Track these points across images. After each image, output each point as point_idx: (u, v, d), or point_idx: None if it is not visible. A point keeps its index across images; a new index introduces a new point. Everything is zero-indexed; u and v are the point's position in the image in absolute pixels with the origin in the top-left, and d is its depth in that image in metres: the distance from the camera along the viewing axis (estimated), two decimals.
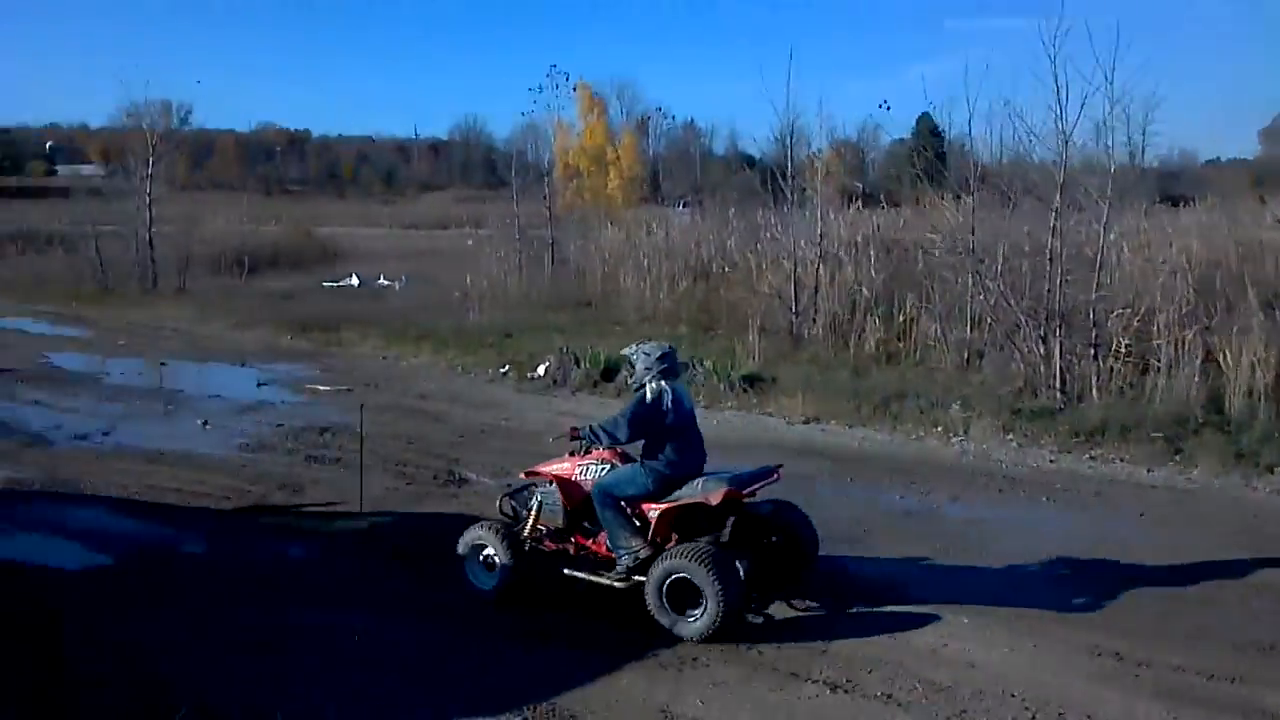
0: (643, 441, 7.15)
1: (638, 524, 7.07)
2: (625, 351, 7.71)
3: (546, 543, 7.50)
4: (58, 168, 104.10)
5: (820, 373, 14.87)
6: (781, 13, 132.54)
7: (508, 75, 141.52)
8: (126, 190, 28.41)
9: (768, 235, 20.80)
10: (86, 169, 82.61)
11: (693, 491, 6.94)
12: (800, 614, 7.07)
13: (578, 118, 41.37)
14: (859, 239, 19.26)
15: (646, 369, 7.17)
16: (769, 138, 22.25)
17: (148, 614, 7.02)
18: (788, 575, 7.33)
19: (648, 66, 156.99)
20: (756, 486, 7.12)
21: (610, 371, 14.97)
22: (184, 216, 30.22)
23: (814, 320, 17.41)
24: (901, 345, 16.49)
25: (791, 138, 19.03)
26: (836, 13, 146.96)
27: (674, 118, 74.53)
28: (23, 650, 6.32)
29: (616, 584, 7.03)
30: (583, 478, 7.43)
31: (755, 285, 18.71)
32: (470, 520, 7.94)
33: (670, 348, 7.38)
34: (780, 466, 7.44)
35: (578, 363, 15.31)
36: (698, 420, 7.41)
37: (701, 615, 6.55)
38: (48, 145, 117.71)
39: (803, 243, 18.14)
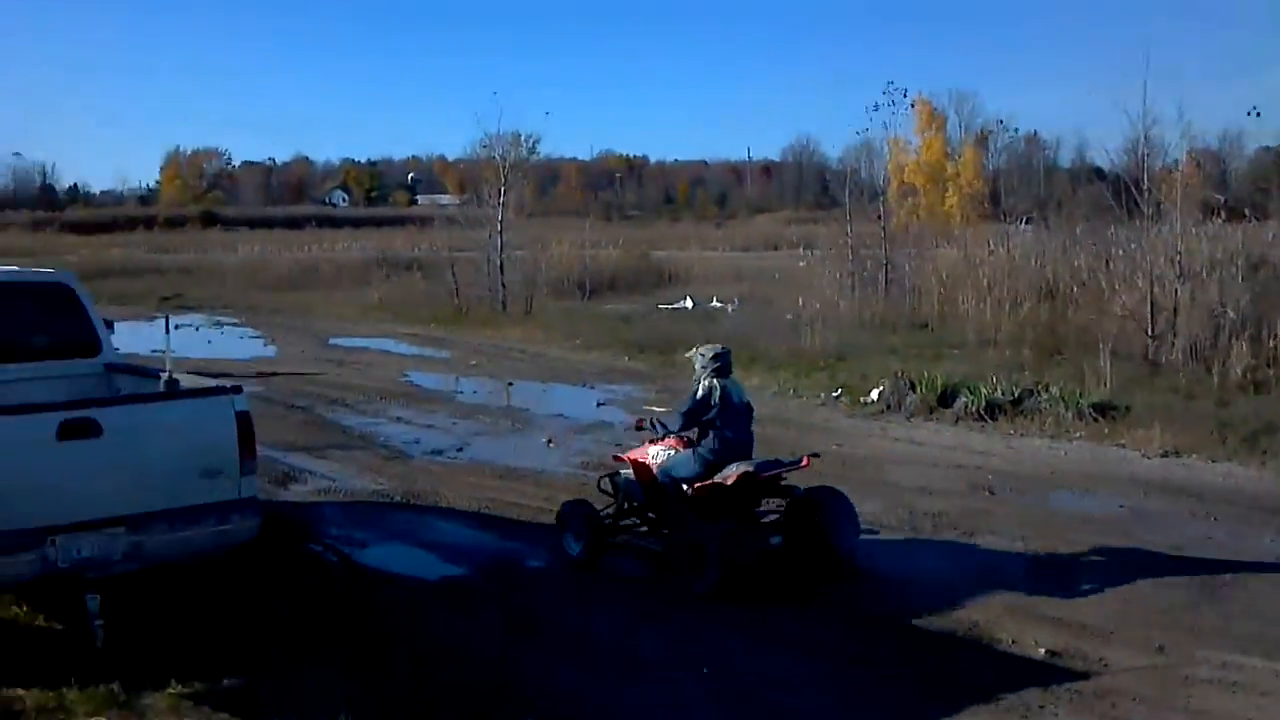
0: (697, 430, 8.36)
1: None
2: (688, 354, 9.17)
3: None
4: (418, 197, 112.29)
5: (1180, 401, 13.83)
6: (1135, 17, 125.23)
7: (842, 94, 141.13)
8: (480, 218, 30.04)
9: (1119, 252, 19.63)
10: (444, 198, 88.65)
11: (725, 474, 8.05)
12: (1150, 666, 6.52)
13: (915, 134, 40.44)
14: (1222, 255, 17.84)
15: (703, 368, 8.40)
16: (1120, 148, 20.98)
17: (498, 624, 7.34)
18: (828, 555, 8.21)
19: (990, 78, 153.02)
20: (777, 471, 8.31)
21: (947, 396, 14.47)
22: (531, 242, 31.75)
23: (1172, 344, 16.24)
24: (1272, 372, 15.10)
25: (1146, 147, 17.93)
26: (1194, 15, 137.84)
27: (1016, 130, 71.30)
28: (392, 655, 6.72)
29: (654, 548, 8.47)
30: (653, 461, 8.59)
31: (1106, 306, 17.67)
32: None
33: (724, 349, 8.66)
34: (815, 455, 8.85)
35: (913, 387, 14.89)
36: (753, 412, 8.69)
37: (707, 575, 7.65)
38: (409, 176, 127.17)
39: (1160, 260, 17.00)
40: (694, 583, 7.73)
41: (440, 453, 12.72)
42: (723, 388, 8.27)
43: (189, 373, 7.98)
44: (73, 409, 6.33)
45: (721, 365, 8.39)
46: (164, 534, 6.44)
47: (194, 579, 7.26)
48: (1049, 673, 6.40)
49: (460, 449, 12.94)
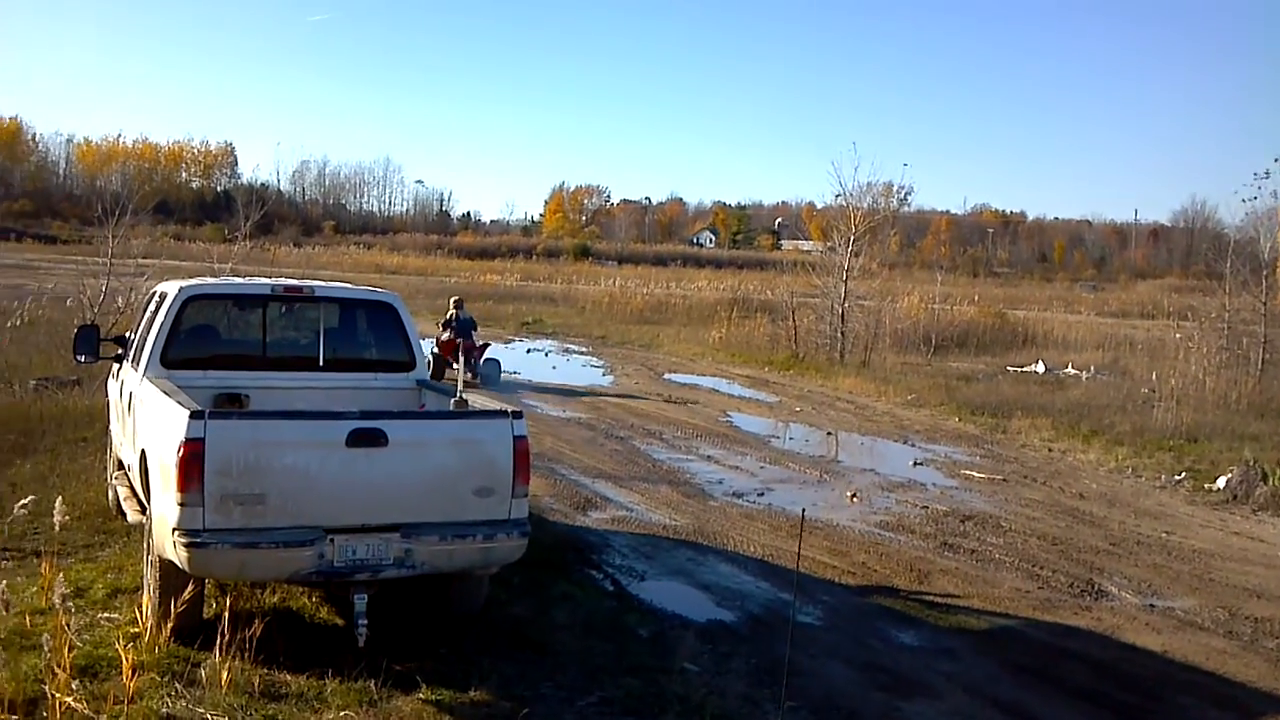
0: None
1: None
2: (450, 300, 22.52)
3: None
4: (782, 242, 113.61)
5: None
6: None
7: (1245, 157, 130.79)
8: (829, 265, 29.87)
9: None
10: (806, 244, 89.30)
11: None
12: None
13: None
14: None
15: (452, 306, 22.09)
16: None
17: (744, 673, 7.20)
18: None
19: None
20: (467, 343, 20.41)
21: None
22: (880, 293, 31.29)
23: None
24: None
25: None
26: None
27: None
28: (627, 686, 6.73)
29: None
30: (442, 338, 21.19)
31: None
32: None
33: (459, 299, 22.76)
34: (487, 344, 22.17)
35: (1265, 478, 13.47)
36: (475, 323, 22.02)
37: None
38: (776, 221, 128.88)
39: None
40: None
41: (740, 495, 12.65)
42: (456, 314, 21.45)
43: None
44: (363, 419, 6.69)
45: (457, 305, 21.94)
46: (433, 545, 6.66)
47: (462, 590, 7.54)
48: None
49: (761, 494, 12.82)
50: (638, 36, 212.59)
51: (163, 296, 8.63)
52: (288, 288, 8.78)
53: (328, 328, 8.81)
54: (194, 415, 6.16)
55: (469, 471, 6.88)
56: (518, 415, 7.08)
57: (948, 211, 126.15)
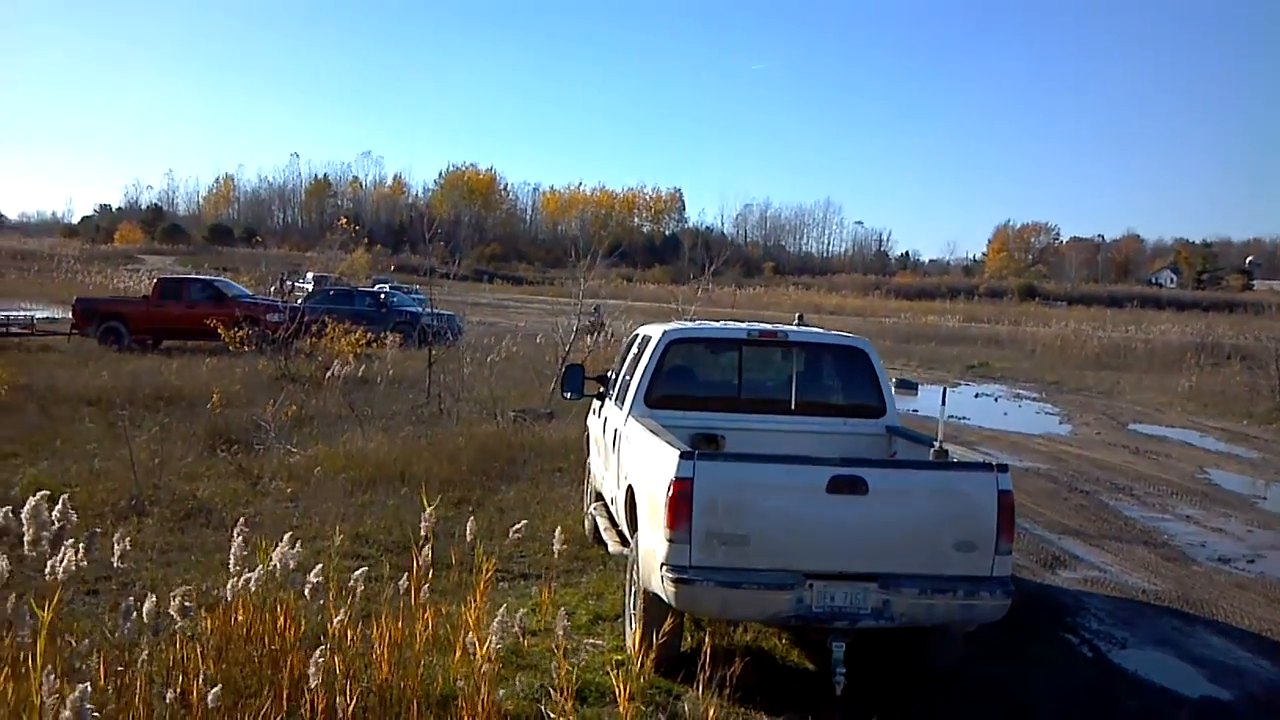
0: None
1: None
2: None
3: None
4: (1254, 282, 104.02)
5: None
6: None
7: None
8: None
9: None
10: None
11: None
12: None
13: None
14: None
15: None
16: None
17: None
18: None
19: None
20: None
21: None
22: None
23: None
24: None
25: None
26: None
27: None
28: None
29: None
30: None
31: None
32: None
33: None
34: None
35: None
36: None
37: None
38: (1248, 259, 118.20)
39: None
40: None
41: (1227, 561, 11.53)
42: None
43: (976, 441, 8.02)
44: (844, 465, 6.64)
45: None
46: (911, 597, 6.48)
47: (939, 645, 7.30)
48: None
49: (1252, 560, 11.62)
50: (1088, 68, 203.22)
51: (645, 339, 9.05)
52: (763, 332, 8.92)
53: (798, 371, 8.88)
54: (684, 455, 6.36)
55: (950, 525, 6.65)
56: (1003, 469, 6.75)
57: None
